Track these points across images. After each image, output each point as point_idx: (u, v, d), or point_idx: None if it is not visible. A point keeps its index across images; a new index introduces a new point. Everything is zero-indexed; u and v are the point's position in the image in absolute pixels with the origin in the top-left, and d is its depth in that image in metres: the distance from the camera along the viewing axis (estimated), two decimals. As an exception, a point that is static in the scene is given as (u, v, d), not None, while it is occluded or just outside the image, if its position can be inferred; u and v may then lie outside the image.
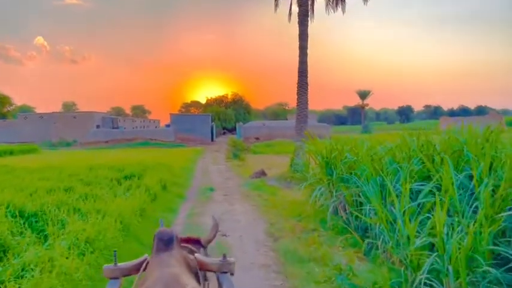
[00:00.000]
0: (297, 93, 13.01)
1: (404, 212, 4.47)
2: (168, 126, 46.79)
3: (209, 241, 2.15)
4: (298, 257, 5.48)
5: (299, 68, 12.90)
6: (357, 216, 6.21)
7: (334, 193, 7.04)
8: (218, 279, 1.81)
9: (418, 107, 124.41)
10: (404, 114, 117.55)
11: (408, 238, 4.12)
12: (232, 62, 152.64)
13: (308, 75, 12.86)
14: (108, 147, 37.78)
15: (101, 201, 7.05)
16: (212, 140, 44.69)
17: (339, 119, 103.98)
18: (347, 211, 6.79)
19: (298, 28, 12.86)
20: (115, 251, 1.90)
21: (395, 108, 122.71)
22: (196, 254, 1.87)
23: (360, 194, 6.44)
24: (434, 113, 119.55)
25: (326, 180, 7.48)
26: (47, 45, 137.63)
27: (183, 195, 10.33)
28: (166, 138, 41.64)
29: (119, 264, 1.80)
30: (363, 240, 5.52)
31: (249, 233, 6.72)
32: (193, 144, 39.44)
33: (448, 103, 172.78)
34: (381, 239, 4.93)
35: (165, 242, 1.69)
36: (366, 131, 66.66)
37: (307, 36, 12.73)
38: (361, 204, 6.42)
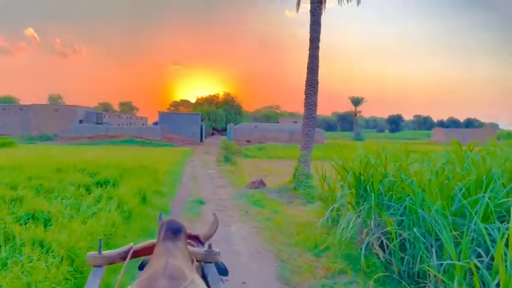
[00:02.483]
0: (305, 92, 11.23)
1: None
2: (155, 124, 44.64)
3: (208, 237, 2.06)
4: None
5: (309, 64, 11.13)
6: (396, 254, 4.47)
7: (371, 223, 5.26)
8: (202, 269, 1.79)
9: (407, 116, 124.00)
10: (394, 123, 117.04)
11: None
12: (223, 63, 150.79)
13: (318, 73, 11.10)
14: (90, 143, 35.47)
15: (52, 223, 5.16)
16: (201, 140, 42.67)
17: (328, 126, 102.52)
18: (389, 248, 5.02)
19: (309, 18, 11.10)
20: (100, 240, 1.80)
21: (385, 116, 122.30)
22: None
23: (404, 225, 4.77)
24: (423, 123, 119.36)
25: (355, 203, 5.71)
26: (37, 37, 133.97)
27: (166, 209, 8.43)
28: (153, 137, 39.49)
29: (103, 252, 1.76)
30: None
31: (255, 278, 4.88)
32: (181, 144, 37.40)
33: (438, 114, 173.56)
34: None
35: (173, 232, 1.65)
36: (358, 139, 65.57)
37: (320, 27, 10.99)
38: (406, 241, 4.73)
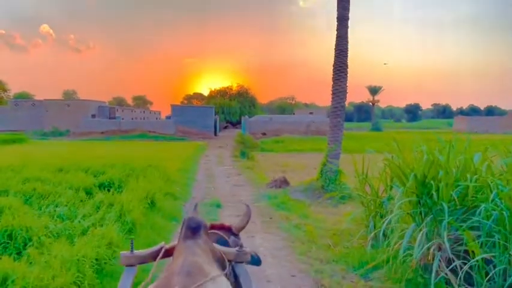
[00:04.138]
0: (333, 78, 9.92)
1: None
2: (168, 118, 43.73)
3: (241, 228, 2.04)
4: None
5: (336, 45, 9.81)
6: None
7: (440, 239, 4.00)
8: (234, 269, 1.77)
9: (425, 105, 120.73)
10: (412, 112, 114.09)
11: None
12: (235, 55, 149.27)
13: (348, 55, 9.78)
14: (103, 138, 34.76)
15: (33, 243, 4.06)
16: (215, 134, 41.58)
17: (345, 116, 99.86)
18: (462, 272, 3.77)
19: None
20: (132, 240, 1.80)
21: (402, 106, 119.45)
22: (212, 244, 1.75)
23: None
24: (443, 112, 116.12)
25: (415, 212, 4.46)
26: (53, 33, 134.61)
27: (178, 215, 7.32)
28: (166, 131, 38.56)
29: (135, 251, 1.75)
30: None
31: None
32: (194, 138, 36.39)
33: (457, 102, 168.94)
34: None
35: (193, 230, 1.62)
36: (376, 129, 63.54)
37: (349, 3, 9.63)
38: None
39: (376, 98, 76.66)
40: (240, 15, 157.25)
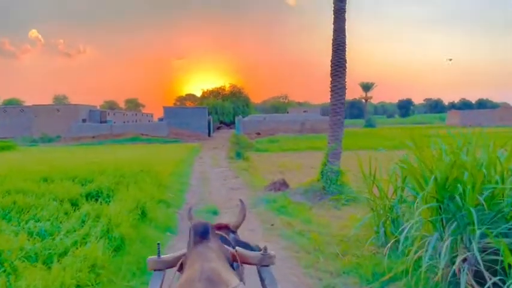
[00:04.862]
0: (331, 74, 9.45)
1: None
2: (161, 120, 43.06)
3: (238, 225, 2.02)
4: None
5: (334, 40, 9.34)
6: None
7: (466, 249, 3.54)
8: (259, 272, 1.74)
9: (417, 100, 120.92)
10: (405, 107, 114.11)
11: None
12: (227, 55, 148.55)
13: (346, 49, 9.32)
14: (94, 143, 34.07)
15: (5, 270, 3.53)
16: (209, 135, 41.00)
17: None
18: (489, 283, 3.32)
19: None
20: (158, 243, 1.81)
21: (394, 101, 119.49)
22: (237, 248, 1.77)
23: None
24: (435, 106, 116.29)
25: (435, 219, 3.99)
26: (41, 38, 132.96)
27: (172, 224, 6.81)
28: (159, 133, 37.93)
29: (162, 256, 1.77)
30: None
31: None
32: (188, 140, 35.82)
33: (449, 96, 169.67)
34: None
35: (201, 234, 1.61)
36: (370, 125, 63.31)
37: (347, -5, 9.17)
38: None
39: (368, 94, 76.57)
40: (230, 14, 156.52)
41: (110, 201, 6.92)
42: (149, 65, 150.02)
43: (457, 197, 3.76)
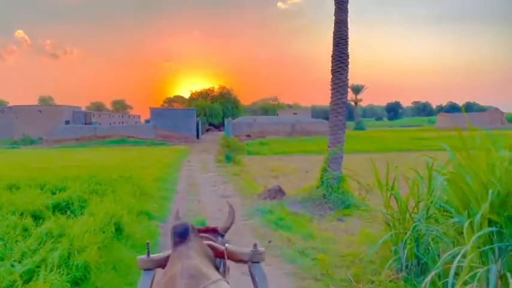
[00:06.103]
0: (332, 70, 8.59)
1: None
2: (147, 122, 41.81)
3: (226, 229, 1.98)
4: None
5: (335, 33, 8.49)
6: None
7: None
8: (250, 269, 1.76)
9: (406, 103, 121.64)
10: (393, 110, 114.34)
11: None
12: (216, 57, 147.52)
13: (349, 43, 8.48)
14: (77, 145, 32.74)
15: None
16: (198, 137, 39.89)
17: (326, 115, 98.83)
18: None
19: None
20: (147, 243, 1.86)
21: (383, 104, 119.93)
22: (227, 245, 1.78)
23: None
24: (423, 109, 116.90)
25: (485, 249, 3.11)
26: (28, 39, 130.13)
27: (154, 242, 5.82)
28: (146, 136, 36.70)
29: (151, 255, 1.77)
30: None
31: None
32: (176, 142, 34.70)
33: (437, 99, 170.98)
34: None
35: (181, 235, 1.58)
36: (360, 128, 62.91)
37: (349, -17, 8.32)
38: None
39: (358, 96, 76.24)
40: (219, 16, 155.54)
41: (80, 214, 5.93)
42: (137, 66, 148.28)
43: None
